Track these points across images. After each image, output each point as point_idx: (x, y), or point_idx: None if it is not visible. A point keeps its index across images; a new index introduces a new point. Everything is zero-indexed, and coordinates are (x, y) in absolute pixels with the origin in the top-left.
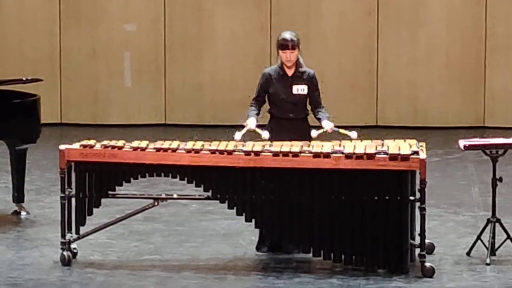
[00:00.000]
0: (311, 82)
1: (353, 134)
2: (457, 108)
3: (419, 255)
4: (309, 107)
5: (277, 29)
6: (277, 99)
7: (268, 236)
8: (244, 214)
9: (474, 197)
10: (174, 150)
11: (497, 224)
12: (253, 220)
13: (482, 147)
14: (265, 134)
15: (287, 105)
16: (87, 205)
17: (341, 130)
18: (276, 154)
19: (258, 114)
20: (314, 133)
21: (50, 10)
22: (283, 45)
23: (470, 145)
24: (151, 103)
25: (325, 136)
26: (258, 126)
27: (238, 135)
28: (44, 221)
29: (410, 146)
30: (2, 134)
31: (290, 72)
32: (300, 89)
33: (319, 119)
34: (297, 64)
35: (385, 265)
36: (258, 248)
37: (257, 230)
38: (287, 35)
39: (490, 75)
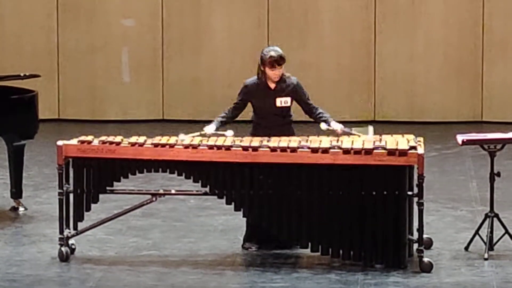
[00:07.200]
0: (295, 91)
1: (370, 129)
2: (455, 103)
3: (417, 250)
4: (294, 111)
5: (275, 25)
6: (261, 111)
7: (264, 231)
8: (242, 209)
9: (472, 192)
10: (171, 146)
11: (495, 219)
12: (250, 216)
13: (480, 142)
14: (229, 132)
15: (271, 116)
16: (85, 200)
17: (355, 130)
18: (274, 149)
19: (225, 121)
20: (324, 126)
21: (48, 5)
22: (273, 62)
23: (468, 140)
24: (149, 98)
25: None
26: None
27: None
28: (42, 217)
29: (408, 141)
30: (0, 130)
31: (272, 85)
32: (283, 102)
33: (325, 122)
34: (280, 76)
35: (383, 260)
36: (245, 247)
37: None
38: (274, 53)
39: (488, 69)
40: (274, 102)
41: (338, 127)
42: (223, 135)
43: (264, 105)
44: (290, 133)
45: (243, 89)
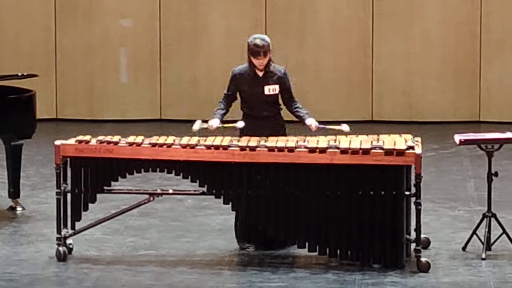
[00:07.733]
0: (282, 80)
1: (345, 127)
2: (452, 103)
3: (415, 250)
4: (281, 102)
5: (272, 25)
6: (249, 99)
7: (262, 232)
8: (239, 209)
9: (470, 192)
10: (169, 146)
11: (492, 218)
12: (247, 215)
13: (478, 142)
14: (240, 123)
15: (259, 105)
16: (83, 200)
17: (331, 127)
18: (271, 149)
19: (224, 113)
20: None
21: (46, 5)
22: (256, 52)
23: (465, 140)
24: (146, 98)
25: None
26: (228, 121)
27: (197, 125)
28: (39, 217)
29: (406, 141)
30: None
31: (261, 73)
32: (271, 89)
33: (299, 117)
34: (268, 64)
35: (380, 260)
36: (242, 247)
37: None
38: (259, 41)
39: (485, 69)
40: (263, 90)
41: (312, 123)
42: (234, 127)
43: (252, 92)
44: (280, 123)
45: (232, 78)
